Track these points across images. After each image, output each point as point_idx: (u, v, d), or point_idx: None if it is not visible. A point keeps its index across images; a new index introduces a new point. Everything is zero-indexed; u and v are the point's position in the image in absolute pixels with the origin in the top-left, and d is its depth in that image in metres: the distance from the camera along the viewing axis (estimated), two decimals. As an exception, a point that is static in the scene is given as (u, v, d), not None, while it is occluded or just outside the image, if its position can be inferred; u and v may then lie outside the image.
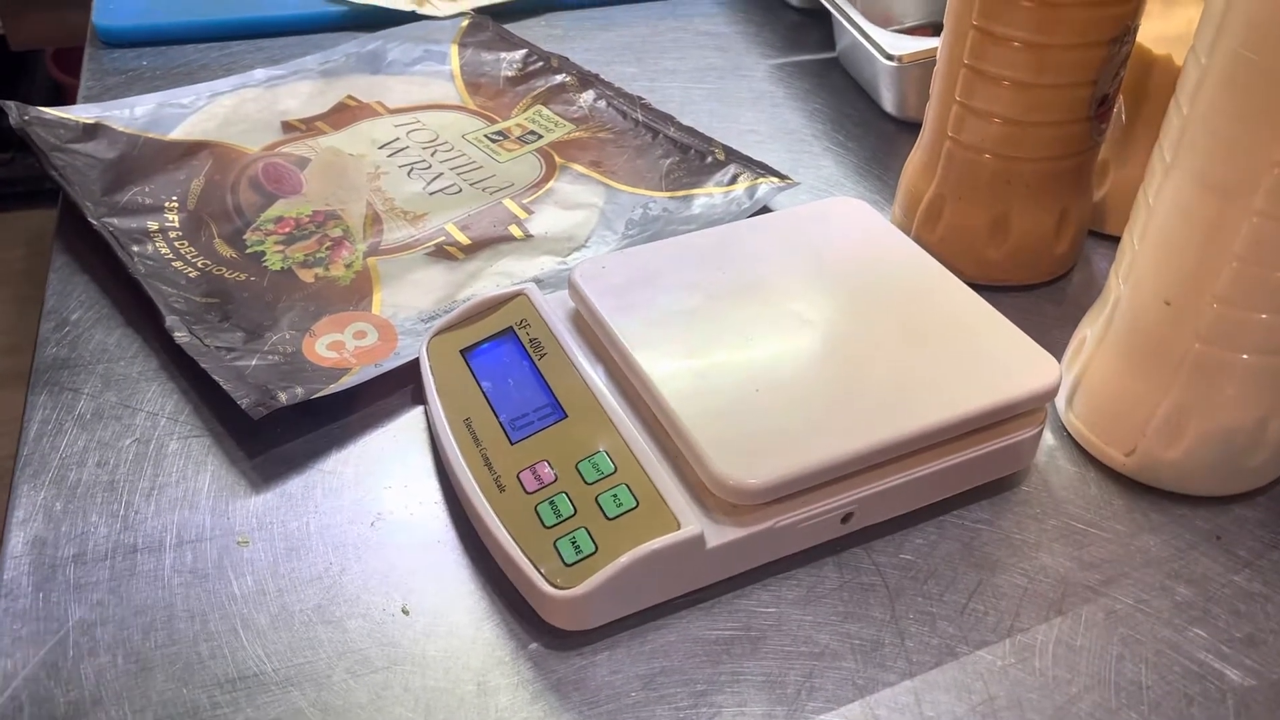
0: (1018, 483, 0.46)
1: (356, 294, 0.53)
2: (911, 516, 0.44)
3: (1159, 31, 0.55)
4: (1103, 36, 0.49)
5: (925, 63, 0.65)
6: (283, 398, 0.46)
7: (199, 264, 0.55)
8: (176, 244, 0.56)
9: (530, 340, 0.47)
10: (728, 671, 0.38)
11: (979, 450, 0.43)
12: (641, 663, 0.39)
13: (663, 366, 0.43)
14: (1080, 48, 0.49)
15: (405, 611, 0.40)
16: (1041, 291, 0.57)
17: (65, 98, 1.51)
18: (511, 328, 0.47)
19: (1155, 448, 0.44)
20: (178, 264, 0.55)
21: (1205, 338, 0.42)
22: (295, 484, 0.45)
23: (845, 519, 0.42)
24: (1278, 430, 0.44)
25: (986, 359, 0.44)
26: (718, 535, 0.39)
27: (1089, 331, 0.47)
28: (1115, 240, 0.60)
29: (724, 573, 0.41)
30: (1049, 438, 0.48)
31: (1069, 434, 0.48)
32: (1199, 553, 0.43)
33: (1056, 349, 0.50)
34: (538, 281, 0.55)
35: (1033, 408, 0.44)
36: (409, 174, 0.62)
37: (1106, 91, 0.51)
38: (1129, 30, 0.49)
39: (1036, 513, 0.45)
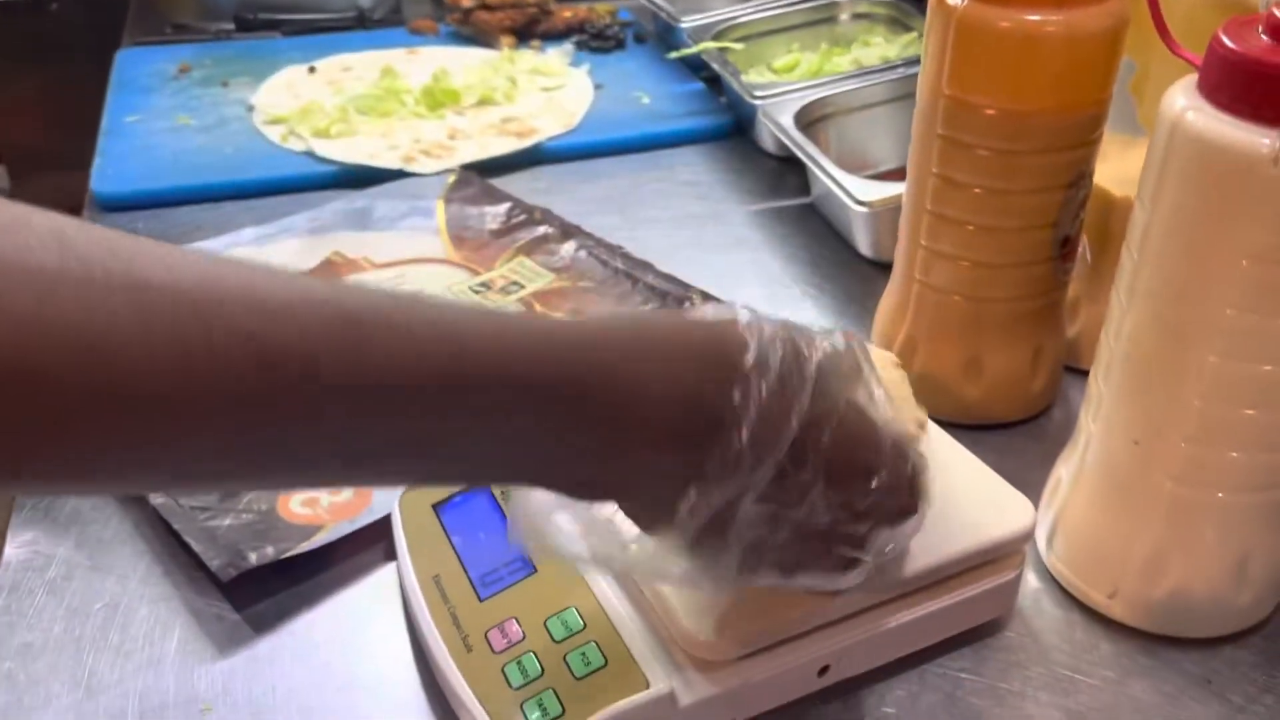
0: (1000, 628, 0.45)
1: (334, 449, 0.53)
2: (891, 667, 0.43)
3: (1118, 173, 0.56)
4: (1059, 181, 0.50)
5: (896, 207, 0.66)
6: (253, 558, 0.45)
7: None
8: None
9: (502, 493, 0.46)
10: (703, 839, 0.37)
11: (957, 596, 0.42)
12: (613, 831, 0.37)
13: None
14: (1038, 192, 0.50)
15: (371, 778, 0.39)
16: (1021, 429, 0.57)
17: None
18: (484, 481, 0.47)
19: (1138, 589, 0.44)
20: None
21: (1177, 477, 0.42)
22: (263, 646, 0.44)
23: (822, 672, 0.41)
24: (1261, 568, 0.43)
25: (960, 503, 0.43)
26: (689, 693, 0.38)
27: (1064, 471, 0.47)
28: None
29: (697, 731, 0.40)
30: (1032, 580, 0.47)
31: (1051, 576, 0.47)
32: (1189, 698, 0.42)
33: (1038, 487, 0.49)
34: (516, 431, 0.55)
35: (1010, 551, 0.43)
36: (392, 327, 0.63)
37: (1068, 233, 0.52)
38: (1084, 174, 0.51)
39: (1021, 659, 0.44)
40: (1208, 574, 0.43)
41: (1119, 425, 0.43)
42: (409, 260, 0.70)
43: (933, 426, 0.48)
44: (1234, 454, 0.41)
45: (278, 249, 0.71)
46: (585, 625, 0.40)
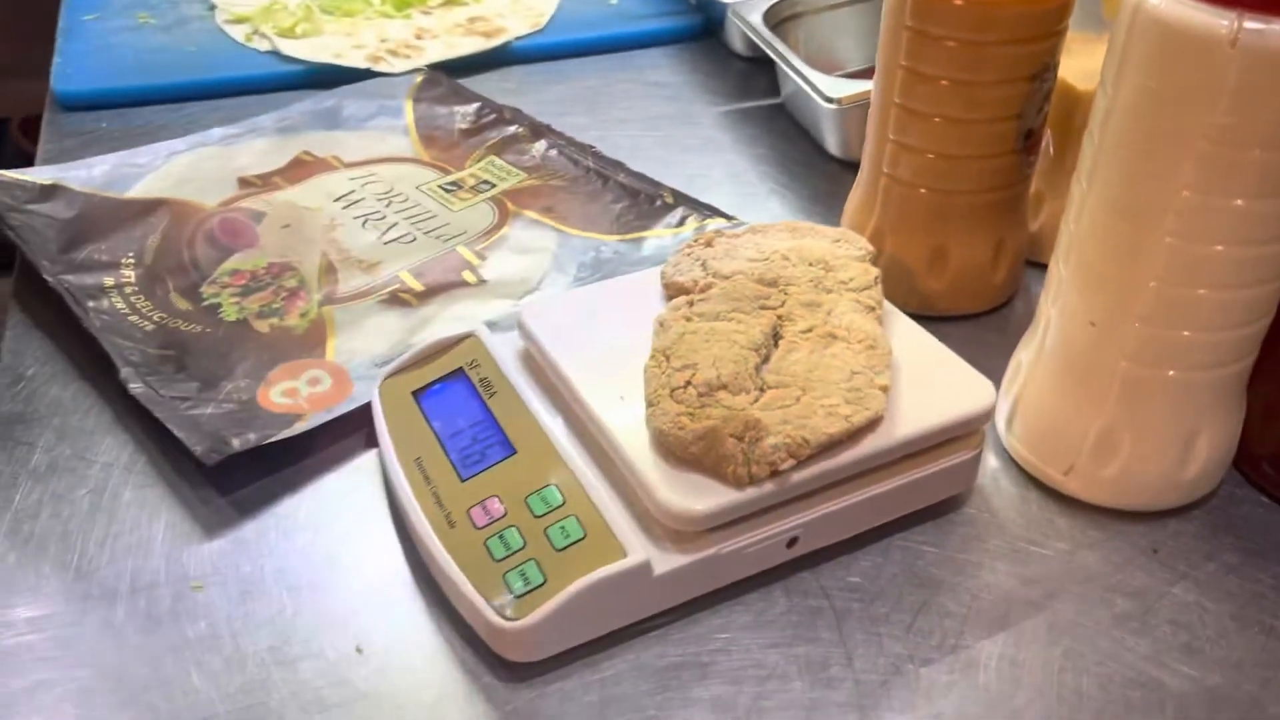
0: (961, 504, 0.47)
1: (311, 342, 0.54)
2: (857, 540, 0.45)
3: (1083, 68, 0.57)
4: (1024, 73, 0.51)
5: (865, 104, 0.66)
6: (235, 443, 0.46)
7: (155, 318, 0.56)
8: (133, 299, 0.57)
9: (480, 380, 0.47)
10: (678, 698, 0.39)
11: (920, 473, 0.44)
12: (593, 691, 0.39)
13: (609, 401, 0.44)
14: (1004, 84, 0.51)
15: (359, 650, 0.40)
16: (983, 321, 0.58)
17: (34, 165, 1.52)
18: (462, 368, 0.48)
19: (1091, 466, 0.46)
20: (134, 318, 0.55)
21: (1131, 357, 0.43)
22: (249, 529, 0.45)
23: (790, 543, 0.43)
24: (1207, 445, 0.45)
25: (924, 383, 0.45)
26: (664, 563, 0.40)
27: (1024, 356, 0.49)
28: (1053, 269, 0.62)
29: (672, 600, 0.41)
30: (991, 460, 0.49)
31: (1010, 456, 0.49)
32: (1136, 567, 0.44)
33: (998, 375, 0.51)
34: (491, 325, 0.56)
35: (971, 430, 0.45)
36: (364, 225, 0.63)
37: (1032, 126, 0.53)
38: (1049, 67, 0.52)
39: (979, 533, 0.46)
40: (1158, 450, 0.45)
41: (1077, 308, 0.44)
42: (378, 159, 0.70)
43: (898, 313, 0.49)
44: (1186, 333, 0.42)
45: (245, 149, 0.71)
46: (565, 501, 0.41)
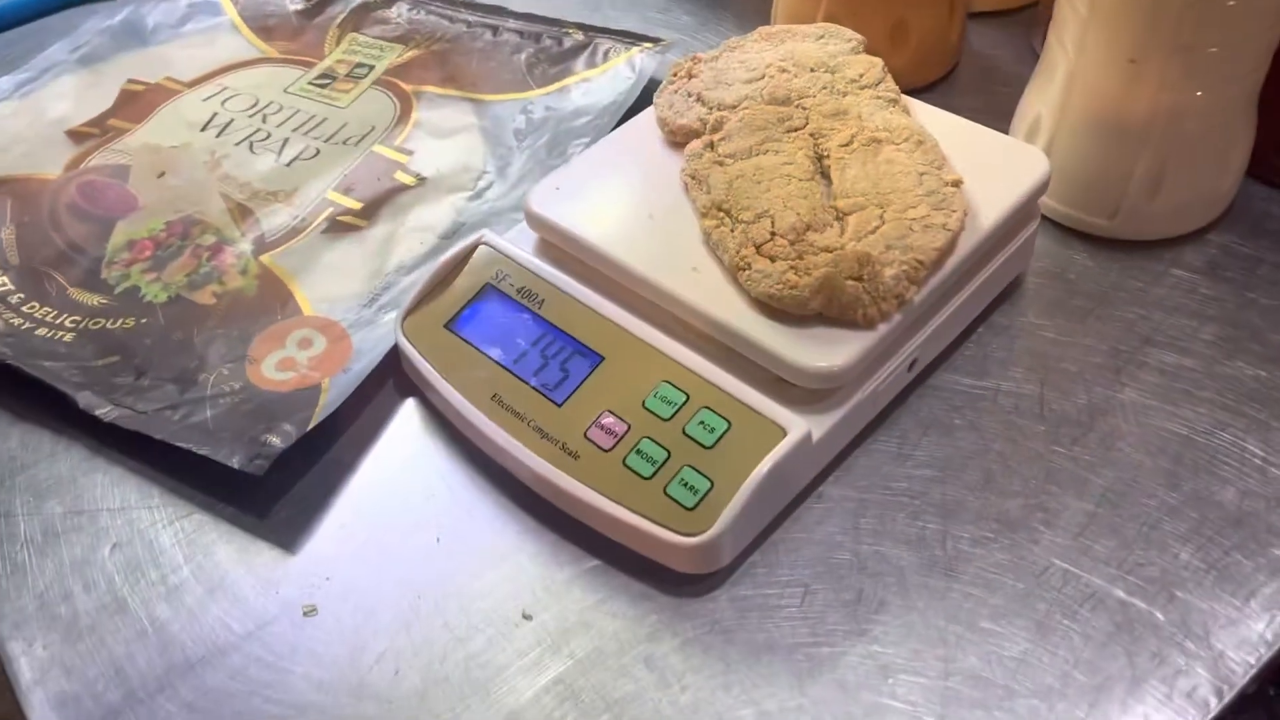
0: (1019, 284, 0.46)
1: (275, 300, 0.46)
2: (951, 345, 0.43)
3: None
4: None
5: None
6: (276, 441, 0.40)
7: (68, 323, 0.46)
8: (26, 309, 0.47)
9: (519, 290, 0.42)
10: (869, 550, 0.37)
11: (1001, 258, 0.43)
12: (799, 569, 0.37)
13: (682, 276, 0.40)
14: None
15: (527, 617, 0.36)
16: (941, 88, 0.56)
17: None
18: (489, 284, 0.43)
19: (1139, 203, 0.46)
20: (43, 331, 0.46)
21: (1171, 85, 0.43)
22: (327, 527, 0.39)
23: (911, 366, 0.41)
24: (1239, 154, 0.46)
25: (979, 168, 0.42)
26: (820, 425, 0.37)
27: (1041, 108, 0.47)
28: (986, 16, 0.60)
29: (829, 458, 0.39)
30: (1025, 225, 0.49)
31: (1042, 215, 0.49)
32: (1204, 290, 0.45)
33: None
34: (460, 225, 0.50)
35: (1033, 202, 0.44)
36: (251, 149, 0.54)
37: None
38: None
39: (1055, 298, 0.45)
40: (1199, 171, 0.45)
41: (1111, 47, 0.43)
42: (222, 69, 0.60)
43: (911, 99, 0.46)
44: (1214, 49, 0.42)
45: (52, 94, 0.58)
46: (688, 395, 0.38)
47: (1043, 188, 0.43)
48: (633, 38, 0.58)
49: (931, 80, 0.56)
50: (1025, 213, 0.43)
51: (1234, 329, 0.44)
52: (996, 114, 0.53)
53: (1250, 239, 0.47)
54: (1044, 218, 0.48)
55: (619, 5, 0.63)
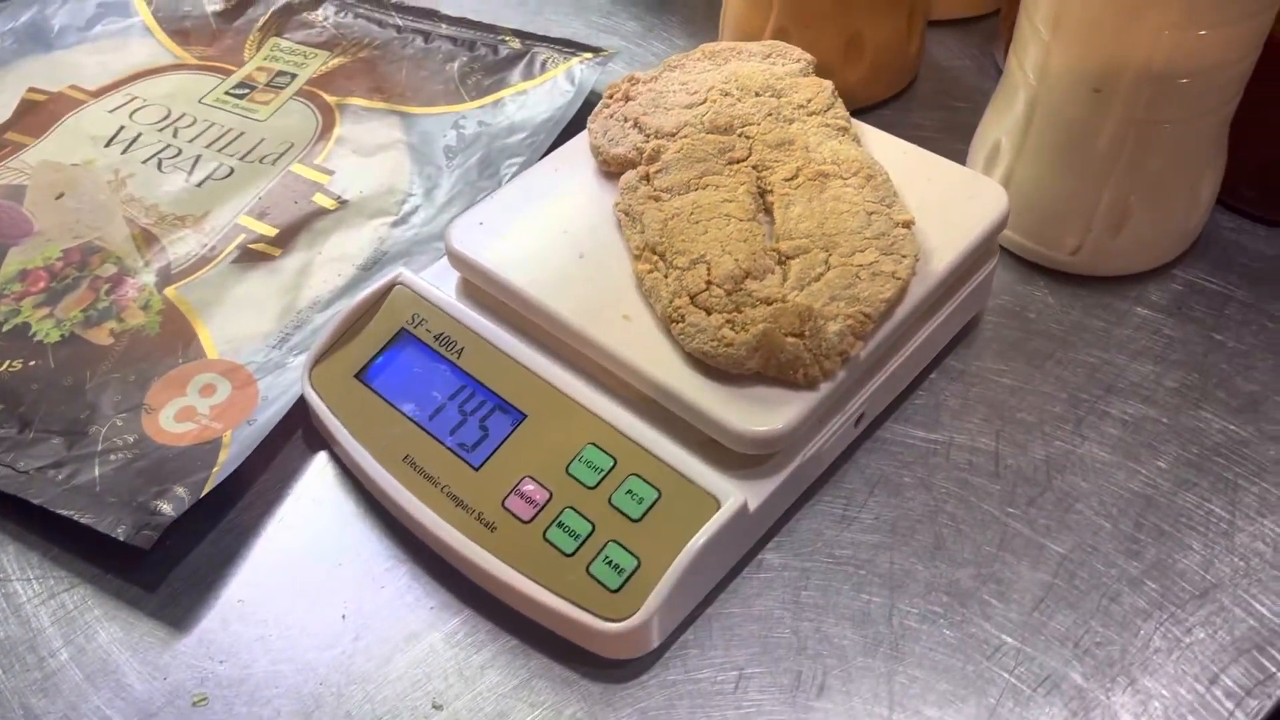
0: (978, 321, 0.44)
1: (177, 341, 0.43)
2: (903, 394, 0.41)
3: None
4: None
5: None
6: (167, 509, 0.36)
7: (-51, 366, 0.42)
8: (-96, 349, 0.43)
9: (437, 337, 0.39)
10: (811, 627, 0.35)
11: (955, 300, 0.40)
12: (734, 649, 0.34)
13: (613, 326, 0.36)
14: None
15: (437, 706, 0.33)
16: (900, 103, 0.53)
17: None
18: (405, 329, 0.39)
19: (1102, 238, 0.43)
20: (-79, 376, 0.42)
21: (1137, 117, 0.40)
22: (223, 602, 0.36)
23: (858, 421, 0.38)
24: (1208, 188, 0.43)
25: (932, 203, 0.40)
26: (758, 493, 0.35)
27: (1001, 136, 0.44)
28: (947, 24, 0.57)
29: (766, 526, 0.36)
30: (983, 257, 0.46)
31: (1001, 248, 0.46)
32: (1168, 330, 0.43)
33: (953, 159, 0.47)
34: (382, 254, 0.46)
35: (991, 239, 0.41)
36: (159, 167, 0.50)
37: None
38: None
39: (1014, 340, 0.43)
40: (1166, 206, 0.42)
41: (1075, 75, 0.40)
42: (132, 76, 0.56)
43: (864, 125, 0.43)
44: (1184, 80, 0.39)
45: (-53, 103, 0.54)
46: (616, 460, 0.35)
47: (1001, 225, 0.40)
48: (573, 47, 0.54)
49: (889, 95, 0.53)
50: (982, 252, 0.40)
51: (1200, 375, 0.41)
52: (957, 131, 0.50)
53: (1219, 273, 0.45)
54: (1004, 250, 0.46)
55: (562, 9, 0.60)
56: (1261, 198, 0.46)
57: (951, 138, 0.50)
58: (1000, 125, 0.44)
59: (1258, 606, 0.34)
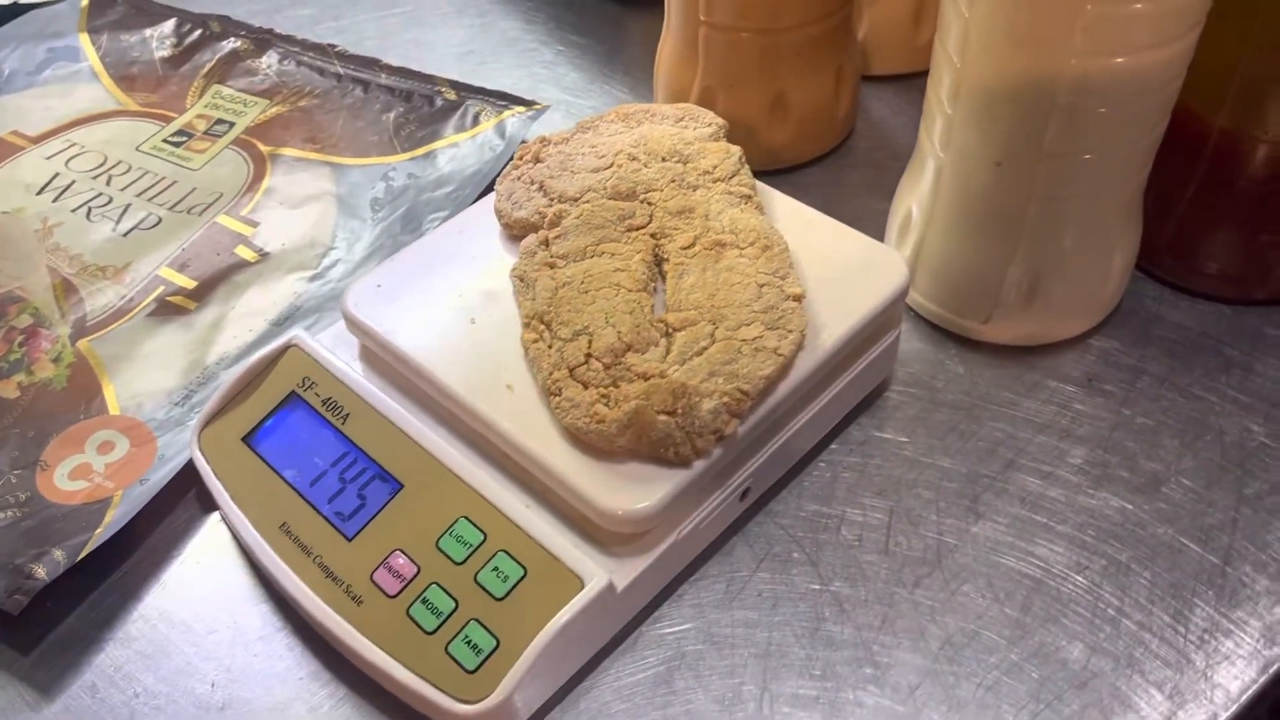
0: (885, 387, 0.43)
1: (82, 395, 0.43)
2: (799, 466, 0.40)
3: None
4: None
5: (637, -68, 0.58)
6: (41, 573, 0.36)
7: None
8: None
9: (324, 402, 0.39)
10: (680, 711, 0.34)
11: (852, 372, 0.40)
12: (584, 738, 0.34)
13: (495, 395, 0.36)
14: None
15: (295, 783, 0.33)
16: (831, 161, 0.53)
17: None
18: (294, 392, 0.39)
19: (1013, 308, 0.42)
20: None
21: (1040, 192, 0.39)
22: (98, 668, 0.36)
23: (743, 495, 0.38)
24: (1121, 259, 0.42)
25: (830, 274, 0.39)
26: (625, 573, 0.34)
27: (913, 204, 0.44)
28: (883, 80, 0.57)
29: (638, 607, 0.36)
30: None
31: (915, 314, 0.45)
32: (1078, 404, 0.42)
33: (877, 221, 0.47)
34: (296, 309, 0.46)
35: (892, 309, 0.40)
36: (88, 216, 0.51)
37: (855, -65, 0.46)
38: None
39: (917, 411, 0.42)
40: (1078, 277, 0.42)
41: (978, 150, 0.39)
42: (73, 122, 0.56)
43: (770, 190, 0.43)
44: (1088, 156, 0.38)
45: (-110, 147, 0.55)
46: (486, 535, 0.34)
47: (900, 296, 0.40)
48: (507, 99, 0.54)
49: (817, 155, 0.53)
50: (881, 323, 0.40)
51: (1105, 452, 0.40)
52: (884, 191, 0.49)
53: (1135, 346, 0.44)
54: (919, 316, 0.45)
55: (506, 60, 0.60)
56: (1178, 267, 0.45)
57: (877, 197, 0.49)
58: (912, 193, 0.44)
59: (1136, 699, 0.34)
